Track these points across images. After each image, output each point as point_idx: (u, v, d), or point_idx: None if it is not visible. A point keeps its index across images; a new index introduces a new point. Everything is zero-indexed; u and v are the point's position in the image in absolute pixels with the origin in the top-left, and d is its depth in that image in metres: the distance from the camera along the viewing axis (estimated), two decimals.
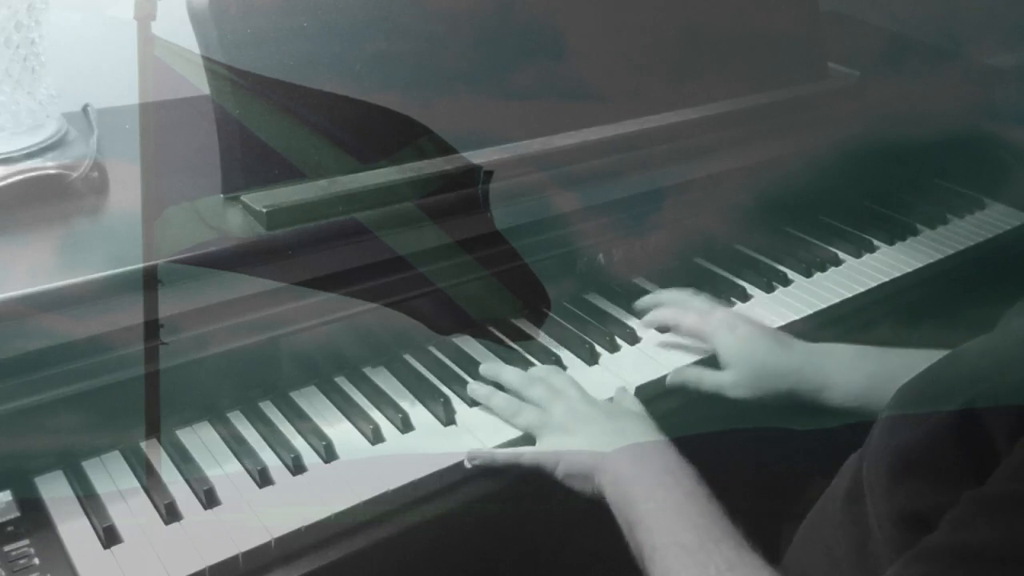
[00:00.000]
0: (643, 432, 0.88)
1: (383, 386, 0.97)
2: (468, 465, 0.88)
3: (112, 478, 0.83)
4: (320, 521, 0.80)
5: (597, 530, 0.83)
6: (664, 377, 1.01)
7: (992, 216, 1.44)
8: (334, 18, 0.99)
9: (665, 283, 1.18)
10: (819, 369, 0.96)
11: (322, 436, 0.89)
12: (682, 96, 1.23)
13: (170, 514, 0.80)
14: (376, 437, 0.90)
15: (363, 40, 1.00)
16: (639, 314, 1.10)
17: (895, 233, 1.34)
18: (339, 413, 0.93)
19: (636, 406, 0.94)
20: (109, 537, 0.77)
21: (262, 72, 0.94)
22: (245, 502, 0.82)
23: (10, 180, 0.89)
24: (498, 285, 1.03)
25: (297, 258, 0.90)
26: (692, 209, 1.19)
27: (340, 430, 0.91)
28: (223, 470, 0.85)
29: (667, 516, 0.77)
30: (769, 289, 1.19)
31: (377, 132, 1.00)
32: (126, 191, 0.93)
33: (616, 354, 1.05)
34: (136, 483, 0.83)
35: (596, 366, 1.03)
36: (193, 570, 0.75)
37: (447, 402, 0.94)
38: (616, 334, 1.07)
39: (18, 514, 0.78)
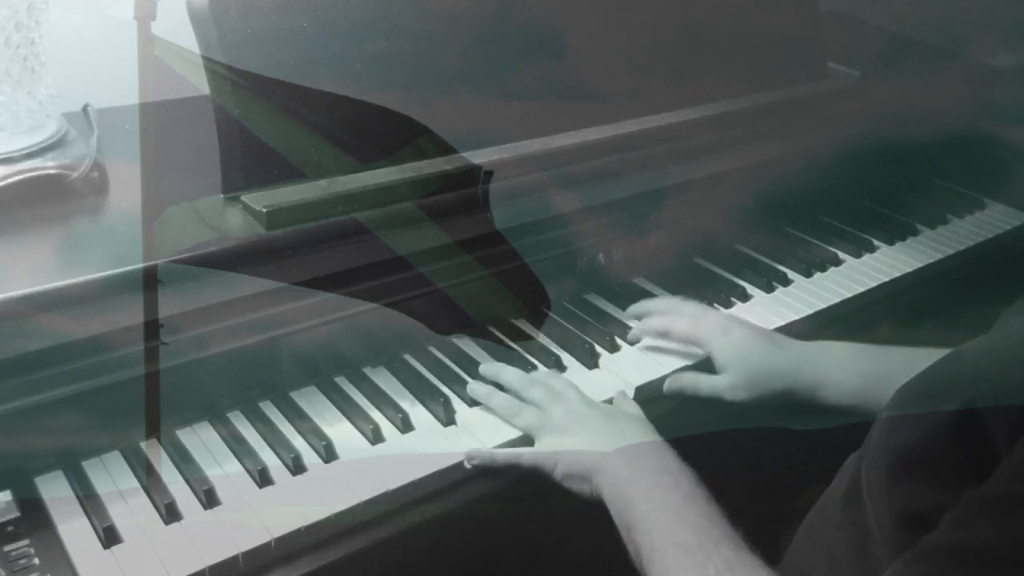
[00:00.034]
0: (642, 434, 0.88)
1: (383, 386, 0.97)
2: (468, 465, 0.88)
3: (112, 478, 0.83)
4: (320, 521, 0.80)
5: (597, 530, 0.83)
6: (664, 377, 1.01)
7: (992, 216, 1.44)
8: (334, 18, 0.99)
9: (665, 283, 1.19)
10: (815, 368, 0.96)
11: (322, 436, 0.89)
12: (682, 96, 1.23)
13: (170, 514, 0.80)
14: (376, 437, 0.90)
15: (363, 40, 1.00)
16: (625, 331, 1.08)
17: (895, 233, 1.34)
18: (339, 413, 0.93)
19: (635, 409, 0.94)
20: (109, 537, 0.77)
21: (262, 72, 0.94)
22: (245, 502, 0.82)
23: (10, 180, 0.89)
24: (498, 285, 1.03)
25: (297, 258, 0.90)
26: (692, 209, 1.19)
27: (340, 430, 0.91)
28: (223, 470, 0.85)
29: (666, 517, 0.77)
30: (769, 289, 1.19)
31: (377, 132, 1.00)
32: (126, 191, 0.93)
33: (616, 354, 1.05)
34: (136, 483, 0.83)
35: (596, 367, 1.03)
36: (193, 570, 0.75)
37: (447, 402, 0.94)
38: (616, 334, 1.07)
39: (18, 514, 0.78)
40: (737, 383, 0.97)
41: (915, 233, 1.37)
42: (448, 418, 0.93)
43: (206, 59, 0.92)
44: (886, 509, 0.66)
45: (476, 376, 0.98)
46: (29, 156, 0.91)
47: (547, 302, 1.10)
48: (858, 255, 1.29)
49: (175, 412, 0.88)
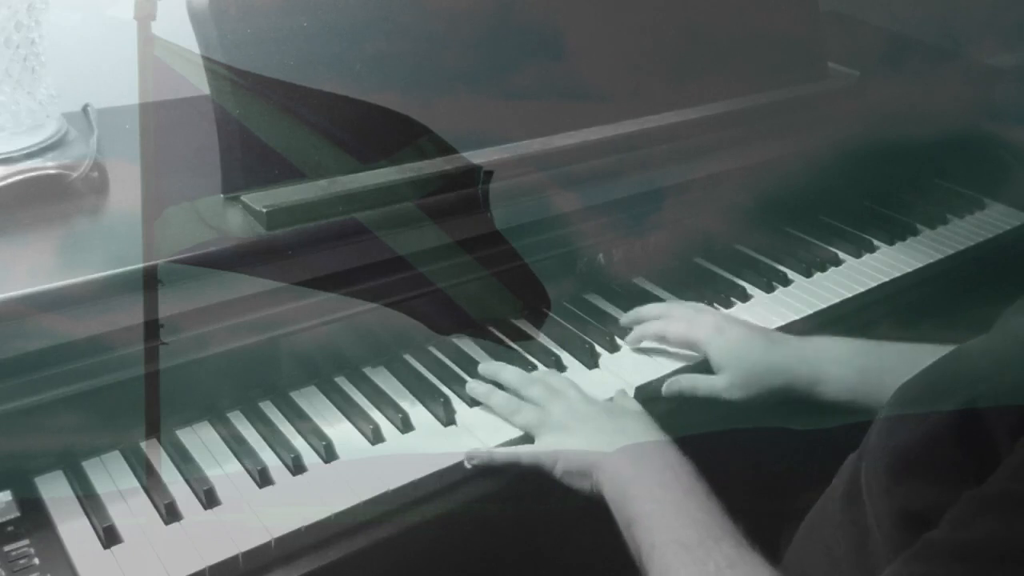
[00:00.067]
0: (643, 429, 0.88)
1: (383, 386, 0.97)
2: (468, 465, 0.88)
3: (112, 478, 0.83)
4: (320, 521, 0.80)
5: (597, 529, 0.83)
6: (664, 378, 1.01)
7: (992, 216, 1.44)
8: (334, 18, 0.99)
9: (665, 283, 1.19)
10: (812, 364, 0.96)
11: (322, 436, 0.89)
12: (682, 96, 1.23)
13: (170, 514, 0.80)
14: (376, 437, 0.90)
15: (363, 40, 1.00)
16: (625, 331, 1.08)
17: (895, 233, 1.34)
18: (339, 413, 0.93)
19: (635, 406, 0.94)
20: (109, 537, 0.77)
21: (262, 72, 0.94)
22: (245, 502, 0.82)
23: (10, 180, 0.89)
24: (498, 285, 1.03)
25: (297, 258, 0.90)
26: (692, 209, 1.19)
27: (340, 430, 0.91)
28: (223, 470, 0.85)
29: (666, 514, 0.77)
30: (769, 289, 1.19)
31: (377, 132, 1.00)
32: (126, 191, 0.93)
33: (616, 354, 1.05)
34: (136, 483, 0.83)
35: (596, 367, 1.03)
36: (193, 570, 0.75)
37: (447, 402, 0.94)
38: (616, 334, 1.07)
39: (18, 514, 0.78)
40: (734, 382, 0.97)
41: (915, 233, 1.37)
42: (448, 418, 0.93)
43: (206, 59, 0.92)
44: (886, 509, 0.66)
45: (476, 376, 0.98)
46: (29, 156, 0.91)
47: (547, 302, 1.10)
48: (858, 255, 1.29)
49: (175, 412, 0.88)
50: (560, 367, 1.02)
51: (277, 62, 0.95)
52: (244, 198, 0.93)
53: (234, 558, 0.76)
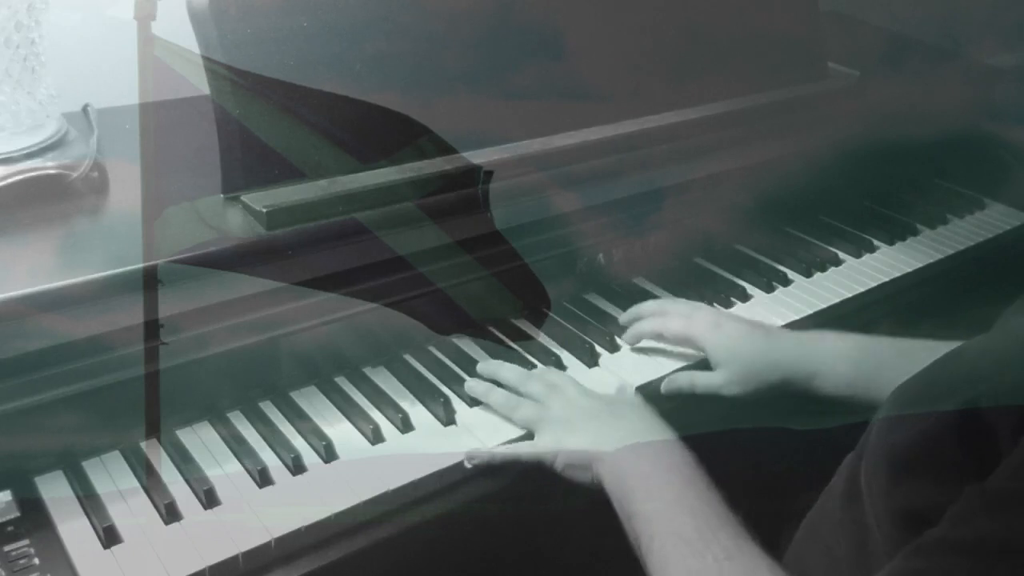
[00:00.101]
0: (642, 419, 0.88)
1: (383, 386, 0.97)
2: (468, 465, 0.88)
3: (112, 478, 0.83)
4: (320, 521, 0.80)
5: (597, 530, 0.83)
6: (664, 377, 1.01)
7: (992, 216, 1.44)
8: (334, 18, 0.99)
9: (665, 283, 1.19)
10: (809, 357, 0.96)
11: (322, 436, 0.89)
12: (682, 96, 1.23)
13: (170, 514, 0.80)
14: (376, 437, 0.90)
15: (363, 40, 1.00)
16: (622, 329, 1.08)
17: (895, 233, 1.34)
18: (339, 413, 0.93)
19: (635, 398, 0.94)
20: (109, 537, 0.77)
21: (262, 72, 0.94)
22: (245, 502, 0.82)
23: (10, 180, 0.89)
24: (498, 285, 1.03)
25: (297, 258, 0.90)
26: (692, 209, 1.19)
27: (340, 430, 0.91)
28: (223, 470, 0.85)
29: (665, 505, 0.77)
30: (769, 289, 1.19)
31: (377, 132, 1.00)
32: (126, 191, 0.93)
33: (616, 354, 1.05)
34: (136, 483, 0.83)
35: (596, 366, 1.03)
36: (193, 570, 0.75)
37: (447, 402, 0.94)
38: (616, 334, 1.07)
39: (18, 514, 0.78)
40: (733, 377, 0.97)
41: (915, 233, 1.37)
42: (448, 418, 0.93)
43: (206, 59, 0.92)
44: (886, 508, 0.66)
45: (476, 376, 0.98)
46: (29, 156, 0.91)
47: (547, 302, 1.10)
48: (858, 255, 1.29)
49: (175, 412, 0.88)
50: (560, 367, 1.02)
51: (277, 62, 0.95)
52: (244, 198, 0.93)
53: (234, 558, 0.76)
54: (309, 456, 0.87)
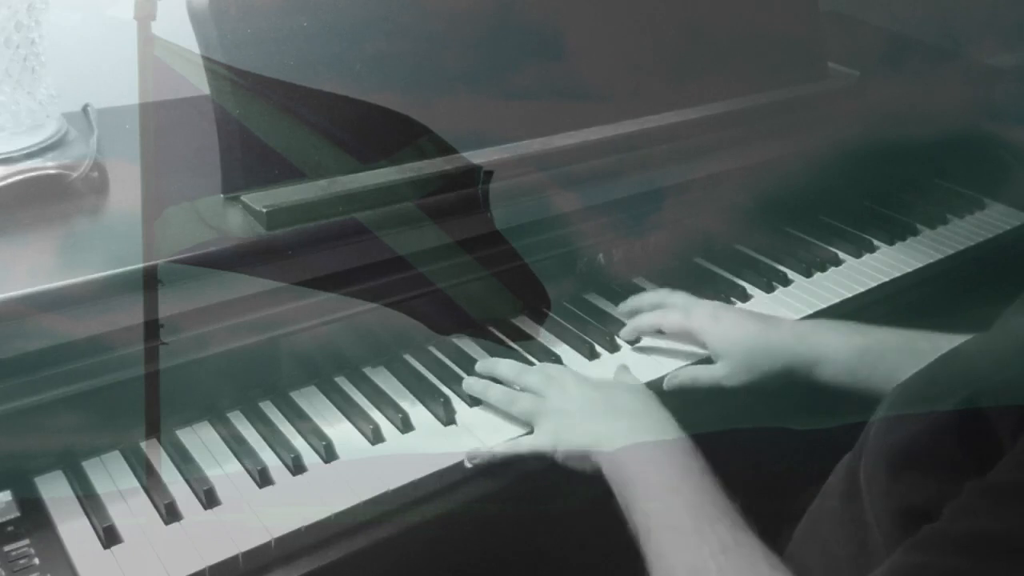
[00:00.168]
0: (640, 404, 0.88)
1: (383, 386, 0.97)
2: (468, 465, 0.88)
3: (112, 478, 0.83)
4: (320, 521, 0.80)
5: (597, 530, 0.82)
6: (664, 377, 1.01)
7: (992, 216, 1.44)
8: (334, 18, 0.99)
9: (665, 283, 1.18)
10: (811, 345, 0.96)
11: (322, 436, 0.89)
12: (682, 96, 1.23)
13: (170, 514, 0.80)
14: (376, 437, 0.90)
15: (363, 40, 1.00)
16: (622, 326, 1.08)
17: (895, 233, 1.34)
18: (339, 413, 0.93)
19: (634, 380, 0.94)
20: (109, 537, 0.77)
21: (262, 72, 0.94)
22: (245, 502, 0.82)
23: (10, 180, 0.89)
24: (498, 285, 1.03)
25: (297, 258, 0.90)
26: (692, 209, 1.19)
27: (340, 430, 0.91)
28: (223, 470, 0.85)
29: (662, 496, 0.77)
30: (769, 289, 1.19)
31: (377, 132, 1.00)
32: (126, 191, 0.93)
33: (616, 354, 1.05)
34: (136, 483, 0.83)
35: (596, 366, 1.03)
36: (193, 570, 0.75)
37: (447, 402, 0.94)
38: (616, 334, 1.07)
39: (18, 514, 0.78)
40: (734, 368, 0.96)
41: (915, 233, 1.37)
42: (448, 418, 0.93)
43: (206, 59, 0.92)
44: (885, 506, 0.66)
45: (474, 375, 0.98)
46: (29, 156, 0.91)
47: (547, 302, 1.10)
48: (858, 255, 1.29)
49: (175, 412, 0.88)
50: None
51: (277, 62, 0.95)
52: (244, 198, 0.93)
53: (234, 558, 0.76)
54: (309, 456, 0.87)
